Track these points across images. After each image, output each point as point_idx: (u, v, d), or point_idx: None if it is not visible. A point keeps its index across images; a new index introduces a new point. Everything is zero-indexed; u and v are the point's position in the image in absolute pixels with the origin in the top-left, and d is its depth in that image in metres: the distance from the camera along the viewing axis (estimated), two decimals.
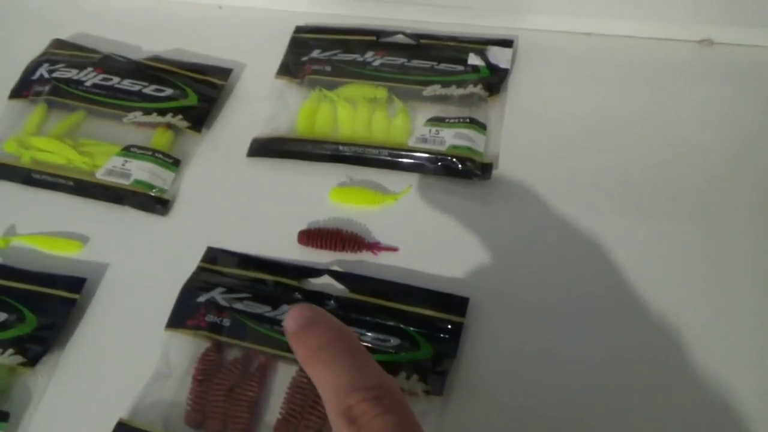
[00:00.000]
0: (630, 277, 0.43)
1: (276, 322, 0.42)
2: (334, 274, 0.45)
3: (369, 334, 0.41)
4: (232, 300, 0.43)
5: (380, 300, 0.43)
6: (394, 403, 0.23)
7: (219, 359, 0.42)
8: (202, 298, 0.43)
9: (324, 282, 0.45)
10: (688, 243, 0.44)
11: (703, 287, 0.42)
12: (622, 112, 0.52)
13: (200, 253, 0.47)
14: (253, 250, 0.47)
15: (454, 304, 0.42)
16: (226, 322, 0.42)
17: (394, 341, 0.41)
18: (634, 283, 0.43)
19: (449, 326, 0.41)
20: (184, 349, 0.42)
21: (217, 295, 0.43)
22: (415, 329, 0.41)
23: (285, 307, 0.43)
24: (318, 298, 0.43)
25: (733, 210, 0.46)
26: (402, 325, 0.41)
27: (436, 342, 0.41)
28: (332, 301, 0.43)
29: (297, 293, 0.44)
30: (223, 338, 0.42)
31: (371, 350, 0.41)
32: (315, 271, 0.45)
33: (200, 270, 0.45)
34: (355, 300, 0.43)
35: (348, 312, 0.42)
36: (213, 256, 0.46)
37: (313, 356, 0.25)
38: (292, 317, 0.26)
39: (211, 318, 0.42)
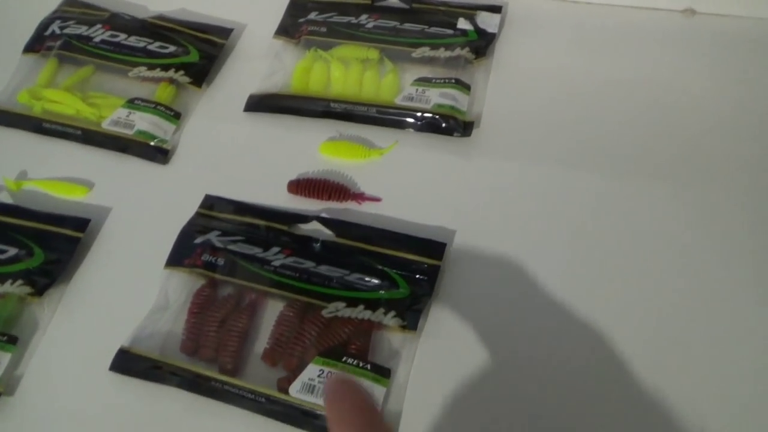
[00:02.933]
0: (602, 229, 0.46)
1: (266, 262, 0.45)
2: (322, 221, 0.48)
3: (353, 274, 0.44)
4: (226, 242, 0.46)
5: (363, 244, 0.46)
6: None
7: (213, 294, 0.45)
8: (198, 240, 0.47)
9: (312, 228, 0.48)
10: (658, 204, 0.47)
11: (680, 245, 0.45)
12: (604, 79, 0.54)
13: (198, 200, 0.50)
14: (247, 198, 0.50)
15: (432, 248, 0.46)
16: (221, 261, 0.45)
17: (375, 281, 0.44)
18: (606, 235, 0.46)
19: (426, 267, 0.44)
20: (181, 285, 0.46)
21: (213, 237, 0.47)
22: (394, 271, 0.44)
23: (275, 248, 0.46)
24: (306, 241, 0.47)
25: (710, 175, 0.48)
26: (382, 267, 0.45)
27: (413, 283, 0.44)
28: (318, 244, 0.46)
29: (286, 237, 0.47)
30: (218, 276, 0.45)
31: (353, 287, 0.44)
32: (304, 218, 0.48)
33: (198, 215, 0.49)
34: (340, 244, 0.46)
35: (333, 254, 0.46)
36: (210, 202, 0.50)
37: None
38: (329, 384, 0.28)
39: (206, 257, 0.46)
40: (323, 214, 0.48)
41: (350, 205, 0.49)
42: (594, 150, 0.50)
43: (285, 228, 0.48)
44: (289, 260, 0.45)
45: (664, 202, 0.47)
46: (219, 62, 0.58)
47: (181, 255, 0.46)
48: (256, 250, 0.46)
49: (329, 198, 0.49)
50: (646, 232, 0.45)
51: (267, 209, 0.49)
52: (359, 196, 0.49)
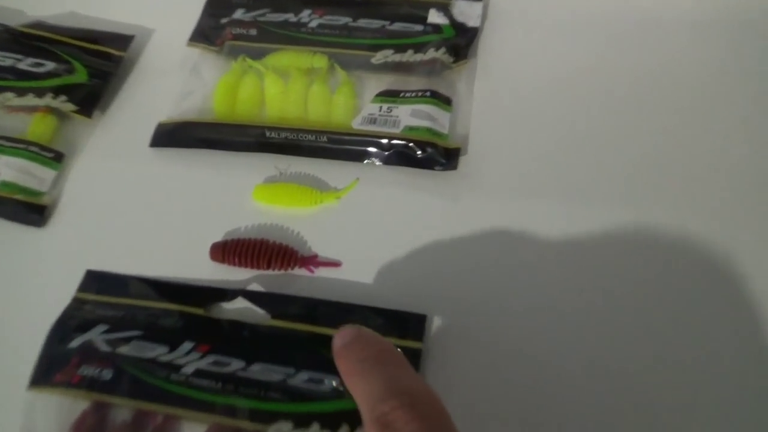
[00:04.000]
0: (625, 286, 0.33)
1: (175, 368, 0.31)
2: (251, 296, 0.34)
3: (300, 373, 0.31)
4: (116, 342, 0.32)
5: (311, 326, 0.33)
6: (430, 410, 0.23)
7: (100, 425, 0.31)
8: (75, 343, 0.32)
9: (239, 307, 0.34)
10: (692, 242, 0.34)
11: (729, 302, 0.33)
12: (622, 77, 0.41)
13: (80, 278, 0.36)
14: (154, 271, 0.36)
15: (409, 324, 0.33)
16: (107, 374, 0.31)
17: (332, 382, 0.31)
18: (629, 294, 0.33)
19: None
20: (53, 414, 0.31)
21: (97, 336, 0.32)
22: None
23: (187, 345, 0.32)
24: (230, 329, 0.33)
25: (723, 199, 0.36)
26: None
27: None
28: (247, 332, 0.33)
29: (203, 326, 0.33)
30: (104, 396, 0.31)
31: (302, 396, 0.31)
32: (226, 293, 0.34)
33: (77, 302, 0.34)
34: (278, 328, 0.33)
35: (268, 344, 0.32)
36: (93, 282, 0.35)
37: (352, 369, 0.25)
38: (339, 336, 0.27)
39: (87, 370, 0.31)
40: (252, 286, 0.35)
41: (299, 273, 0.36)
42: (613, 178, 0.37)
43: (200, 312, 0.34)
44: (207, 361, 0.32)
45: (702, 239, 0.34)
46: (116, 82, 0.44)
47: (50, 368, 0.32)
48: (159, 351, 0.32)
49: (268, 266, 0.35)
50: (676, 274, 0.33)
51: (172, 286, 0.35)
52: (310, 261, 0.36)
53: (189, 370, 0.31)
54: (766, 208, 0.35)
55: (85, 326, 0.33)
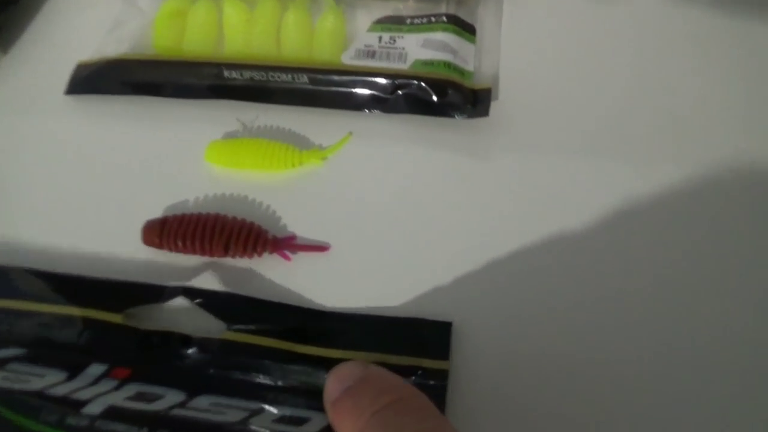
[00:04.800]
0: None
1: (75, 406, 0.20)
2: (198, 296, 0.23)
3: (267, 410, 0.21)
4: None
5: (287, 342, 0.22)
6: None
7: None
8: None
9: (178, 312, 0.23)
10: None
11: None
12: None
13: None
14: (63, 260, 0.25)
15: (428, 337, 0.22)
16: None
17: (318, 421, 0.20)
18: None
19: (421, 378, 0.21)
20: None
21: None
22: None
23: (96, 368, 0.21)
24: (162, 345, 0.22)
25: None
26: None
27: None
28: (194, 349, 0.22)
29: (119, 338, 0.22)
30: None
31: None
32: (158, 292, 0.24)
33: None
34: (238, 344, 0.22)
35: (221, 367, 0.22)
36: None
37: (361, 427, 0.17)
38: (336, 378, 0.19)
39: None
40: (201, 281, 0.24)
41: (270, 260, 0.25)
42: (688, 133, 0.27)
43: (118, 319, 0.23)
44: (126, 394, 0.21)
45: None
46: (24, 12, 0.33)
47: None
48: (51, 379, 0.21)
49: (226, 251, 0.25)
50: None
51: (76, 280, 0.24)
52: (286, 244, 0.25)
53: (96, 408, 0.20)
54: None
55: None
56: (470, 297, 0.24)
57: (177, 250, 0.25)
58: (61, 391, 0.21)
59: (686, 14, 0.31)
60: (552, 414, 0.21)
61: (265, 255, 0.25)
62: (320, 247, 0.25)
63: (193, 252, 0.25)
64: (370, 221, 0.26)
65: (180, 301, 0.23)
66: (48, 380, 0.21)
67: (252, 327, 0.23)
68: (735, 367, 0.22)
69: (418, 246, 0.25)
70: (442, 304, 0.24)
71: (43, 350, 0.22)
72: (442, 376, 0.21)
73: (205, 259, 0.25)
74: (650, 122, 0.28)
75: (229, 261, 0.25)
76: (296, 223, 0.26)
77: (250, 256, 0.25)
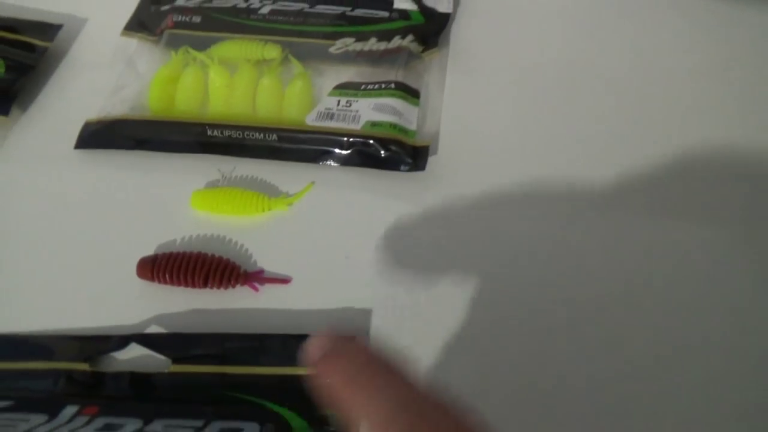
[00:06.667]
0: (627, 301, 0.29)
1: None
2: (146, 340, 0.29)
3: (207, 426, 0.26)
4: None
5: (222, 366, 0.28)
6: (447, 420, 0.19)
7: None
8: None
9: (133, 355, 0.29)
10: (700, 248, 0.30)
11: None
12: (594, 66, 0.37)
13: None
14: (74, 291, 0.31)
15: None
16: None
17: (249, 430, 0.26)
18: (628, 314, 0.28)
19: None
20: None
21: None
22: (280, 403, 0.26)
23: (70, 409, 0.26)
24: (120, 383, 0.28)
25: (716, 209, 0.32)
26: (261, 400, 0.26)
27: (316, 415, 0.26)
28: (142, 384, 0.27)
29: (86, 383, 0.28)
30: None
31: None
32: (113, 341, 0.29)
33: None
34: (181, 374, 0.28)
35: (169, 395, 0.27)
36: None
37: (346, 385, 0.21)
38: (315, 345, 0.22)
39: None
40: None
41: (241, 291, 0.30)
42: (603, 178, 0.33)
43: (85, 367, 0.28)
44: (95, 426, 0.26)
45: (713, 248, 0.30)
46: (39, 76, 0.39)
47: None
48: (35, 421, 0.26)
49: (205, 283, 0.30)
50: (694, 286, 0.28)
51: (47, 338, 0.29)
52: (255, 277, 0.30)
53: None
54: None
55: None
56: (386, 315, 0.29)
57: (165, 282, 0.30)
58: (42, 430, 0.26)
59: (611, 79, 0.36)
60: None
61: (238, 287, 0.30)
62: (284, 280, 0.31)
63: (179, 284, 0.30)
64: (326, 257, 0.31)
65: (133, 347, 0.29)
66: (32, 423, 0.26)
67: (192, 358, 0.28)
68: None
69: (363, 278, 0.30)
70: (353, 322, 0.29)
71: (26, 400, 0.27)
72: None
73: (193, 291, 0.30)
74: (569, 170, 0.33)
75: (207, 291, 0.30)
76: (264, 260, 0.31)
77: (226, 287, 0.30)
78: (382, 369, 0.21)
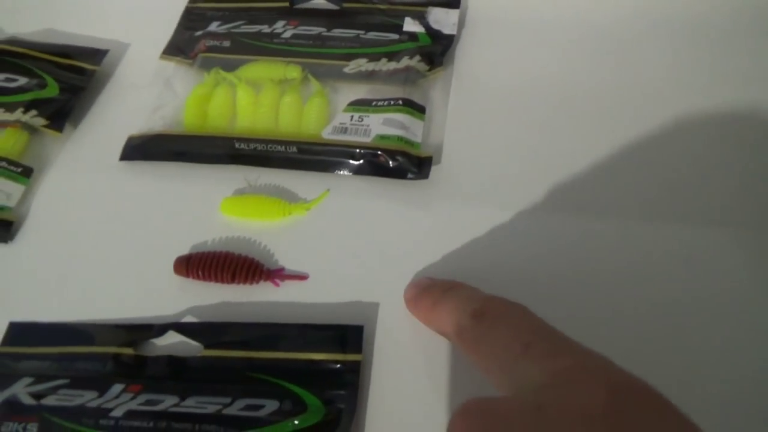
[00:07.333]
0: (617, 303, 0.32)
1: (104, 413, 0.30)
2: (182, 328, 0.33)
3: (233, 403, 0.30)
4: (41, 393, 0.31)
5: (246, 351, 0.32)
6: (509, 303, 0.27)
7: None
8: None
9: (171, 341, 0.33)
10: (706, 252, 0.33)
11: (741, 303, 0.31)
12: (592, 83, 0.40)
13: (52, 293, 0.35)
14: (118, 285, 0.35)
15: (347, 337, 0.32)
16: (32, 428, 0.30)
17: (269, 406, 0.30)
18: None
19: (341, 368, 0.31)
20: None
21: (21, 389, 0.31)
22: (297, 383, 0.30)
23: (117, 387, 0.31)
24: (160, 366, 0.32)
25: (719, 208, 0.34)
26: (280, 381, 0.30)
27: (328, 395, 0.30)
28: (179, 366, 0.32)
29: (131, 365, 0.32)
30: None
31: (240, 424, 0.29)
32: (155, 329, 0.33)
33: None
34: (211, 358, 0.32)
35: (201, 376, 0.31)
36: (17, 333, 0.34)
37: (437, 300, 0.30)
38: (411, 289, 0.32)
39: (9, 427, 0.30)
40: (212, 302, 0.34)
41: (264, 286, 0.34)
42: (594, 186, 0.36)
43: (129, 351, 0.32)
44: (138, 401, 0.30)
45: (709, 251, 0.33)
46: (88, 96, 0.44)
47: None
48: (87, 397, 0.31)
49: (232, 279, 0.34)
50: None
51: (98, 327, 0.33)
52: (276, 274, 0.35)
53: (119, 413, 0.30)
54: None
55: (8, 381, 0.32)
56: (392, 308, 0.33)
57: (198, 278, 0.35)
58: (94, 404, 0.30)
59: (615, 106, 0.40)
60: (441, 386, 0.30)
61: (261, 282, 0.34)
62: (301, 277, 0.35)
63: (209, 279, 0.34)
64: (340, 256, 0.35)
65: (170, 334, 0.33)
66: (85, 398, 0.31)
67: (221, 344, 0.32)
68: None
69: (371, 273, 0.34)
70: (362, 314, 0.32)
71: (80, 379, 0.31)
72: (355, 367, 0.31)
73: (222, 286, 0.35)
74: (566, 179, 0.36)
75: (234, 286, 0.34)
76: (284, 259, 0.35)
77: (250, 283, 0.34)
78: (459, 286, 0.30)
